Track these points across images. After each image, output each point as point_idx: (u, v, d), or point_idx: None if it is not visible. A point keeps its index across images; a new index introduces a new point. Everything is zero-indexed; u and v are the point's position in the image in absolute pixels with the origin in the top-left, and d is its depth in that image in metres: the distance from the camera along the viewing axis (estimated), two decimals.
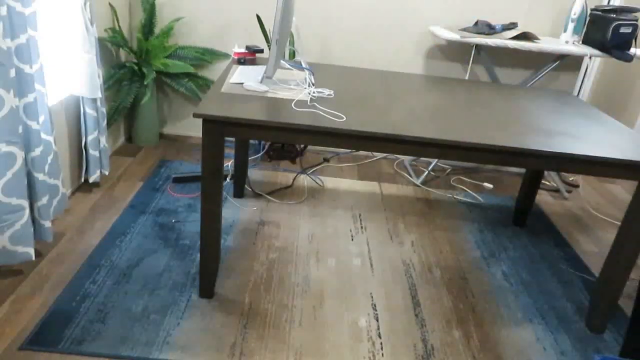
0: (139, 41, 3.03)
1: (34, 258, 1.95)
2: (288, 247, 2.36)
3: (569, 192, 3.32)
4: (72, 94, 2.46)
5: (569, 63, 3.32)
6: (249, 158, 3.23)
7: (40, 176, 2.00)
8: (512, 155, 1.75)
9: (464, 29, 3.04)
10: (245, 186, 2.83)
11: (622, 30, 2.75)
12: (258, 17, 3.06)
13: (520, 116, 2.05)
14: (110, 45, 2.95)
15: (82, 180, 2.67)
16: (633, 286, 2.35)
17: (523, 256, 2.52)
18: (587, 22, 2.99)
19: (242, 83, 2.01)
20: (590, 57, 3.27)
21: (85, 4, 2.28)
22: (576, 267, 2.49)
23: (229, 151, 3.16)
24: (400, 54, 3.33)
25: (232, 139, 3.35)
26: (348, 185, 3.06)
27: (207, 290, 1.96)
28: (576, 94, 3.37)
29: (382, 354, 1.80)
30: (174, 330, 1.78)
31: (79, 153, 2.61)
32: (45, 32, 2.23)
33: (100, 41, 2.74)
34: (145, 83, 2.98)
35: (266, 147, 3.36)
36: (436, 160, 3.41)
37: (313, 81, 2.11)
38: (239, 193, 2.75)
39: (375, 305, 2.04)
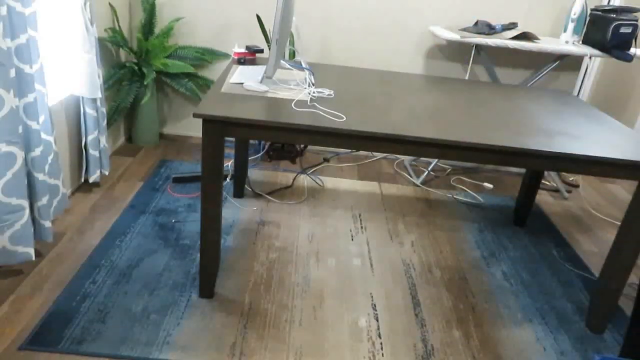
0: (139, 41, 3.03)
1: (34, 258, 1.95)
2: (288, 247, 2.36)
3: (569, 192, 3.32)
4: (72, 94, 2.46)
5: (569, 63, 3.32)
6: (249, 158, 3.23)
7: (40, 176, 2.00)
8: (512, 155, 1.75)
9: (464, 29, 3.04)
10: (245, 186, 2.83)
11: (622, 30, 2.75)
12: (258, 17, 3.06)
13: (520, 116, 2.05)
14: (110, 45, 2.95)
15: (82, 180, 2.67)
16: (633, 287, 2.36)
17: (523, 256, 2.52)
18: (587, 22, 2.98)
19: (242, 83, 2.01)
20: (590, 57, 3.27)
21: (85, 4, 2.28)
22: (576, 267, 2.49)
23: (229, 151, 3.16)
24: (400, 54, 3.33)
25: (232, 139, 3.35)
26: (348, 185, 3.06)
27: (207, 290, 1.96)
28: (576, 94, 3.37)
29: (382, 354, 1.80)
30: (174, 330, 1.78)
31: (79, 153, 2.61)
32: (45, 32, 2.23)
33: (100, 41, 2.74)
34: (145, 83, 2.98)
35: (266, 147, 3.36)
36: (436, 160, 3.41)
37: (313, 81, 2.11)
38: (239, 193, 2.75)
39: (375, 305, 2.04)
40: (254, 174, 3.07)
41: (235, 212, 2.60)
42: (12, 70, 1.75)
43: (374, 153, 3.55)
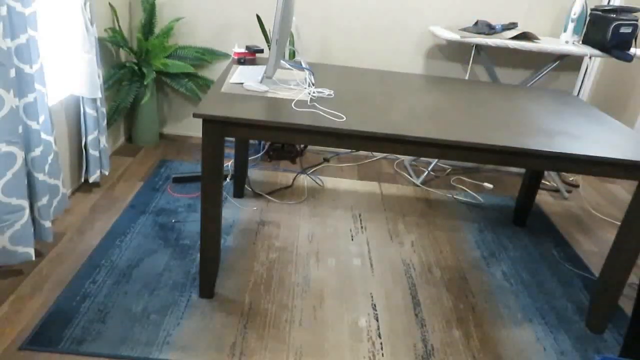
0: (139, 41, 3.03)
1: (34, 258, 1.95)
2: (288, 247, 2.36)
3: (569, 192, 3.32)
4: (72, 94, 2.46)
5: (569, 63, 3.32)
6: (249, 158, 3.23)
7: (40, 176, 2.00)
8: (512, 155, 1.75)
9: (464, 29, 3.04)
10: (245, 186, 2.83)
11: (622, 30, 2.75)
12: (258, 17, 3.06)
13: (520, 116, 2.05)
14: (110, 45, 2.95)
15: (82, 180, 2.67)
16: (633, 287, 2.36)
17: (523, 256, 2.52)
18: (587, 22, 2.98)
19: (242, 83, 2.01)
20: (590, 57, 3.27)
21: (85, 4, 2.28)
22: (576, 267, 2.49)
23: (229, 151, 3.16)
24: (400, 54, 3.33)
25: (232, 139, 3.35)
26: (348, 185, 3.06)
27: (207, 290, 1.96)
28: (576, 94, 3.37)
29: (382, 354, 1.80)
30: (174, 330, 1.78)
31: (79, 153, 2.61)
32: (45, 32, 2.23)
33: (100, 41, 2.74)
34: (145, 83, 2.98)
35: (266, 147, 3.36)
36: (436, 160, 3.41)
37: (313, 81, 2.11)
38: (239, 193, 2.75)
39: (375, 305, 2.04)
40: (254, 174, 3.07)
41: (235, 212, 2.60)
42: (12, 70, 1.75)
43: (374, 153, 3.55)
